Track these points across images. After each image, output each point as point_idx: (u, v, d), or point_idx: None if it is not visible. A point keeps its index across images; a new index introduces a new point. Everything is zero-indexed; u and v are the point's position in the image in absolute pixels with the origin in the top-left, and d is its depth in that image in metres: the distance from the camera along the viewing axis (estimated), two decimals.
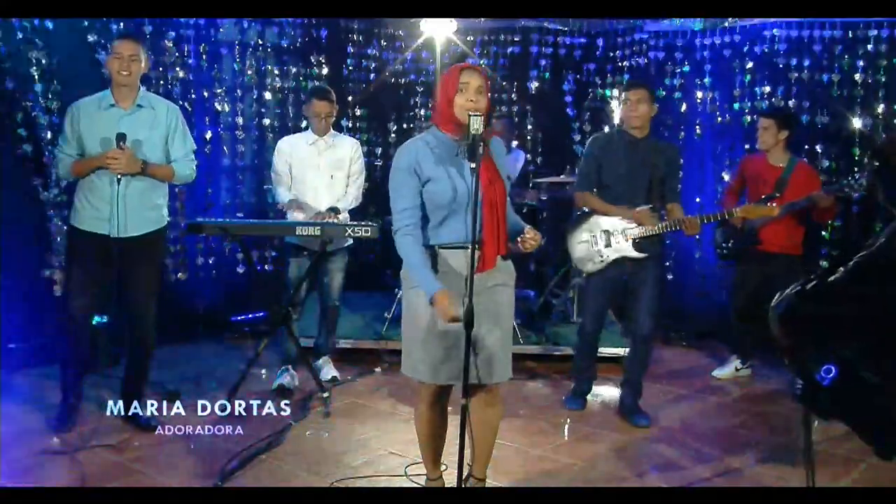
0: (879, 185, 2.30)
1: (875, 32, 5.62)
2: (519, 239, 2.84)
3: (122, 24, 5.29)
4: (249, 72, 6.17)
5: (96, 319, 4.38)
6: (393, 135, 7.05)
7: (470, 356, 2.67)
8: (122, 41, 3.81)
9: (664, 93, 6.42)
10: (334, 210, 4.55)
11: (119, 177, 3.67)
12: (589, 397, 4.56)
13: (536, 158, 6.91)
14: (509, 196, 2.93)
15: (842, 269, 2.12)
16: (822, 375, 2.06)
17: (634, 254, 4.16)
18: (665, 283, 4.57)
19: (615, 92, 6.59)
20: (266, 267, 6.24)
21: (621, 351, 5.20)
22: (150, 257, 3.93)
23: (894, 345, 2.10)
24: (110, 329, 4.73)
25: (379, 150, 7.01)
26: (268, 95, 6.29)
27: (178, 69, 5.72)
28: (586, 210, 4.33)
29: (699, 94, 6.27)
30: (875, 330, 2.11)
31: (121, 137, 3.66)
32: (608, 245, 4.20)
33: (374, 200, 6.55)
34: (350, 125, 6.77)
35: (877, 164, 2.30)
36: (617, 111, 5.65)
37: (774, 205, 4.38)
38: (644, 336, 4.27)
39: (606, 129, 6.30)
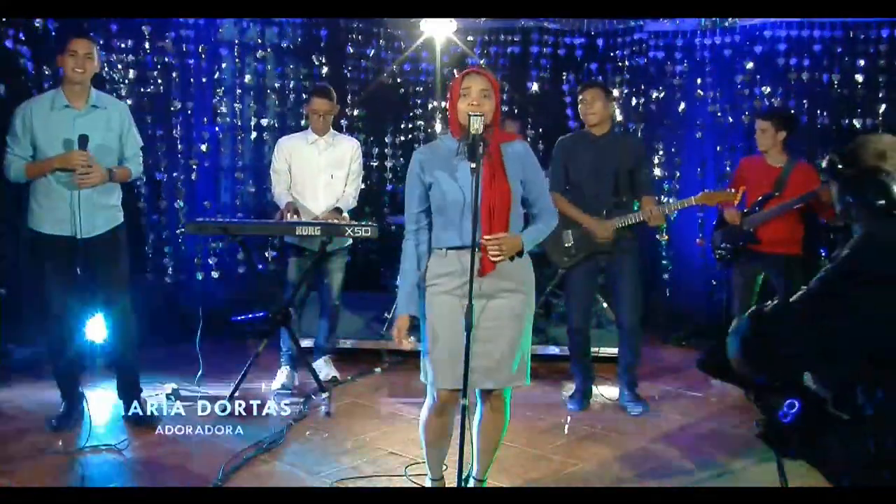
0: (843, 194, 2.10)
1: (875, 32, 5.62)
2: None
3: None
4: (249, 72, 6.18)
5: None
6: (390, 135, 7.05)
7: (471, 360, 2.68)
8: (77, 39, 3.76)
9: (664, 92, 6.42)
10: (338, 210, 4.56)
11: (79, 183, 3.63)
12: (595, 398, 4.57)
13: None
14: (538, 199, 2.94)
15: (804, 287, 1.96)
16: (784, 411, 1.87)
17: (607, 246, 4.26)
18: (643, 276, 4.65)
19: (615, 92, 6.62)
20: (268, 266, 6.24)
21: None
22: (117, 254, 3.93)
23: (867, 375, 1.89)
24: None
25: (375, 150, 6.99)
26: (268, 95, 6.29)
27: (177, 69, 5.72)
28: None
29: (699, 94, 6.27)
30: (845, 357, 1.92)
31: (83, 139, 3.62)
32: (580, 239, 4.30)
33: (371, 201, 6.56)
34: (348, 125, 6.76)
35: (840, 167, 2.08)
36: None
37: (733, 191, 4.47)
38: (629, 328, 4.37)
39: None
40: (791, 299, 1.97)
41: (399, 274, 2.89)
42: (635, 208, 4.37)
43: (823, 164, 2.00)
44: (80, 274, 3.81)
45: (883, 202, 1.97)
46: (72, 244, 3.75)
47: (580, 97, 4.36)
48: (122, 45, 5.47)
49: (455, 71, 6.54)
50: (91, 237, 3.78)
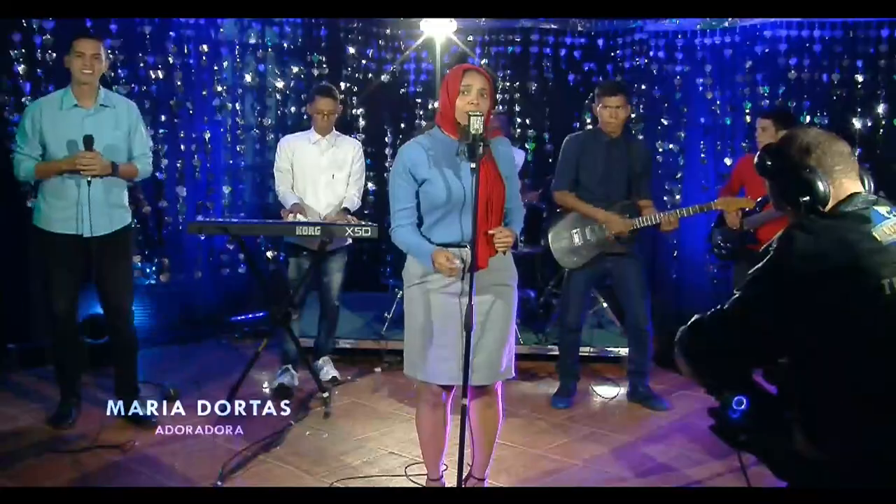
0: (771, 190, 2.05)
1: (875, 32, 5.61)
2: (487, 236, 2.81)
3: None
4: (249, 72, 6.17)
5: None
6: (390, 135, 7.04)
7: (469, 356, 2.68)
8: (83, 40, 3.75)
9: (664, 93, 6.41)
10: (346, 210, 4.57)
11: (89, 179, 3.65)
12: (595, 398, 4.57)
13: (537, 159, 6.89)
14: (513, 196, 2.95)
15: (736, 291, 1.94)
16: (733, 408, 1.90)
17: (615, 248, 4.30)
18: (649, 277, 4.69)
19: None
20: (268, 266, 6.23)
21: (622, 351, 5.21)
22: (123, 254, 3.95)
23: (802, 374, 1.89)
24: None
25: (373, 150, 6.96)
26: (268, 95, 6.29)
27: (178, 69, 5.72)
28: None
29: (699, 94, 6.26)
30: (779, 356, 1.93)
31: (88, 140, 3.62)
32: (589, 240, 4.32)
33: (370, 201, 6.55)
34: (348, 125, 6.75)
35: (769, 164, 2.02)
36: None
37: (750, 198, 4.43)
38: (643, 326, 4.42)
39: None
40: (726, 304, 1.95)
41: (407, 248, 2.87)
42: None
43: (755, 161, 1.92)
44: (86, 274, 3.83)
45: (807, 198, 1.92)
46: (79, 243, 3.77)
47: (604, 100, 4.28)
48: (121, 45, 5.46)
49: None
50: (98, 236, 3.79)
